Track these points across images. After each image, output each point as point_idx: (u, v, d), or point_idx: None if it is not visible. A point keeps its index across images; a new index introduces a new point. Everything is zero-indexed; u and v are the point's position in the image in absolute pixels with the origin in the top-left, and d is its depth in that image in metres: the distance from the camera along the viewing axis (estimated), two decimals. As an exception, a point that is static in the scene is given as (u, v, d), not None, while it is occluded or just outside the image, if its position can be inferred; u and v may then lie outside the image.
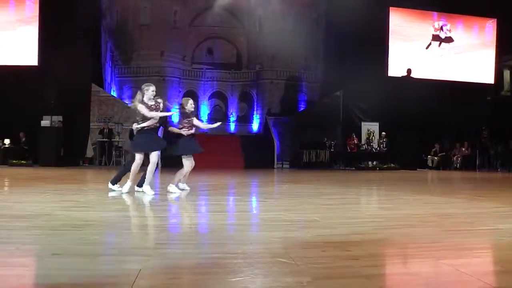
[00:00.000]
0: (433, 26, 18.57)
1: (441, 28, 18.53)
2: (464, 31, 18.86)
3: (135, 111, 5.96)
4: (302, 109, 23.00)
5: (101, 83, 19.05)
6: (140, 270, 2.30)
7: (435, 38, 18.54)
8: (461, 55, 18.80)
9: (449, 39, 18.72)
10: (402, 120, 16.24)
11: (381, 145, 17.05)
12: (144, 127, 5.91)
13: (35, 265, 2.55)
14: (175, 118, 7.41)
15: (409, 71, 17.51)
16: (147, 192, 5.92)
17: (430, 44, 18.52)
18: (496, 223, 4.04)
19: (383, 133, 17.17)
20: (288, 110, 22.35)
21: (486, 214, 4.68)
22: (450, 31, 18.68)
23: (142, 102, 5.90)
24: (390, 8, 17.80)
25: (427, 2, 17.90)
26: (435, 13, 18.52)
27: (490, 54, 19.08)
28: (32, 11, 16.04)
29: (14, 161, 14.22)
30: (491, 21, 18.85)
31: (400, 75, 17.51)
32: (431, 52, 18.53)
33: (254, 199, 6.13)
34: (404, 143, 16.50)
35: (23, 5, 16.11)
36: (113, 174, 6.51)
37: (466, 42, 18.87)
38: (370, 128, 17.74)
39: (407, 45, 18.16)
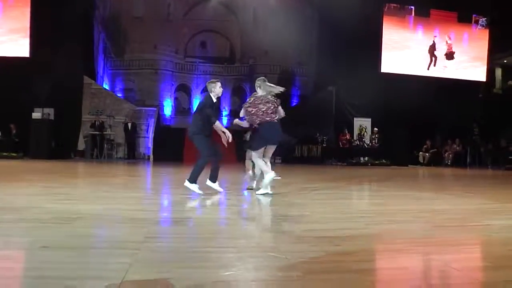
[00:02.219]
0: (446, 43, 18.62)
1: (450, 45, 18.60)
2: (456, 34, 18.89)
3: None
4: (295, 104, 23.00)
5: (93, 76, 18.86)
6: (130, 263, 2.29)
7: (449, 56, 18.61)
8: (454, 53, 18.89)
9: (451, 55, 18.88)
10: (394, 116, 16.30)
11: (373, 141, 17.10)
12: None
13: (24, 258, 2.53)
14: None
15: None
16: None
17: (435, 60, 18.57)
18: (486, 219, 4.08)
19: (375, 129, 17.22)
20: (281, 105, 22.31)
21: (476, 210, 4.71)
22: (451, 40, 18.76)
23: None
24: (385, 9, 17.83)
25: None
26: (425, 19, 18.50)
27: (482, 53, 19.14)
28: (23, 2, 15.83)
29: (5, 154, 14.09)
30: (483, 19, 18.90)
31: (393, 72, 17.56)
32: (424, 50, 18.56)
33: (245, 193, 6.12)
34: (396, 139, 16.57)
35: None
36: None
37: (458, 41, 18.94)
38: (362, 124, 17.80)
39: (400, 42, 18.17)
